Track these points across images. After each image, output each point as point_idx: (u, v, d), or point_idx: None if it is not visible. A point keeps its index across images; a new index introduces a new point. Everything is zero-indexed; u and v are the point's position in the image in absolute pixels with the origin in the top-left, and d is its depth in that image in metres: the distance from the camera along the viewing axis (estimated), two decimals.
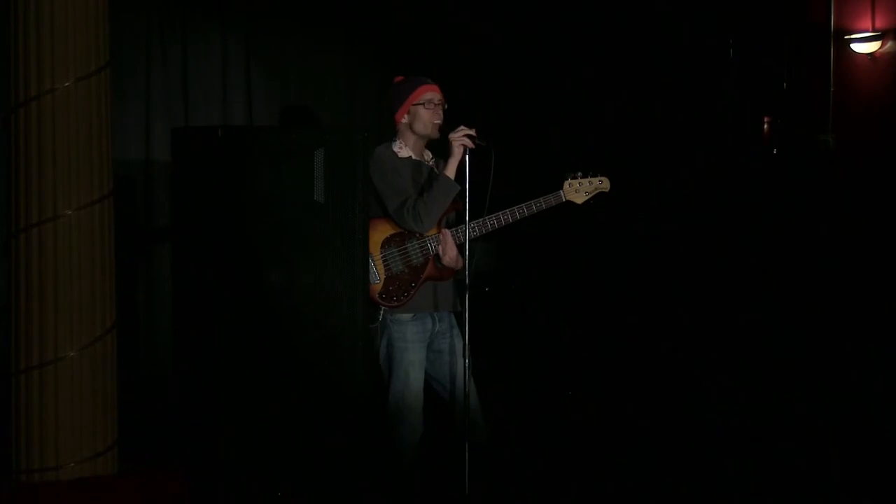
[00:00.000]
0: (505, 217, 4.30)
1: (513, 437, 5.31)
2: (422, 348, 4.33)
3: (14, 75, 4.06)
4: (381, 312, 4.27)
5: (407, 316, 4.30)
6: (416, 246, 4.30)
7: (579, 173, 4.36)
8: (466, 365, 4.17)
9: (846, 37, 6.45)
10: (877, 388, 5.81)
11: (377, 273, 4.25)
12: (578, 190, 4.37)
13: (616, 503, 4.77)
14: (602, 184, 4.40)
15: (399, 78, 4.45)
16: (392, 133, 4.44)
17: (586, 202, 4.39)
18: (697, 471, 5.01)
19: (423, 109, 4.33)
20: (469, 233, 4.17)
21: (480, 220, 4.26)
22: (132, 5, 6.09)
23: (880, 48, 6.34)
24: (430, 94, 4.35)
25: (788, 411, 5.73)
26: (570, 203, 4.39)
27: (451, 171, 4.25)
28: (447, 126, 4.32)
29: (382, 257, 4.27)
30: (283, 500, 3.97)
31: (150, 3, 6.26)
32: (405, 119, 4.37)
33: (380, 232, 4.27)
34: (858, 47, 6.41)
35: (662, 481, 4.91)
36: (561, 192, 4.36)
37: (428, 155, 4.46)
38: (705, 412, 5.83)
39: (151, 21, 6.28)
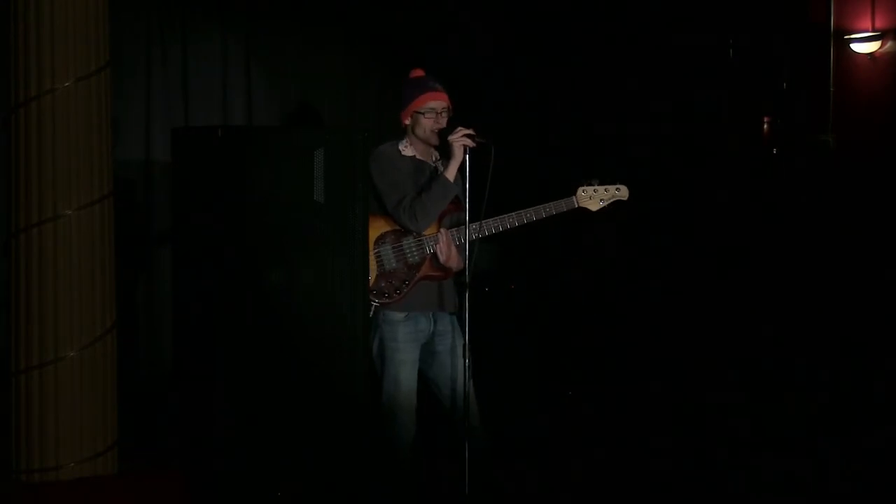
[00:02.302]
0: (511, 220, 4.28)
1: (512, 438, 5.31)
2: (414, 348, 4.32)
3: (14, 75, 4.06)
4: (373, 308, 4.25)
5: (399, 315, 4.29)
6: (413, 244, 4.29)
7: (595, 181, 4.35)
8: (467, 365, 4.16)
9: (846, 37, 6.44)
10: (877, 387, 5.81)
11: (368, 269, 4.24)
12: (593, 197, 4.35)
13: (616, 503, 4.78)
14: (620, 192, 4.37)
15: (417, 72, 4.42)
16: (394, 131, 4.44)
17: (601, 209, 4.37)
18: (698, 470, 5.01)
19: (424, 118, 4.31)
20: (471, 234, 4.16)
21: (484, 222, 4.25)
22: (132, 5, 6.09)
23: (880, 48, 6.34)
24: (434, 102, 4.32)
25: (788, 411, 5.73)
26: (583, 210, 4.37)
27: (451, 172, 4.25)
28: (451, 129, 4.31)
29: (375, 253, 4.26)
30: (282, 500, 3.97)
31: (150, 3, 6.26)
32: (408, 122, 4.37)
33: (374, 228, 4.25)
34: (858, 47, 6.40)
35: (663, 481, 4.91)
36: (573, 197, 4.34)
37: (435, 155, 4.45)
38: (706, 412, 5.82)
39: (151, 21, 6.28)
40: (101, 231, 4.14)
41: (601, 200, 4.36)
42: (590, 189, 4.34)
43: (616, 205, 4.39)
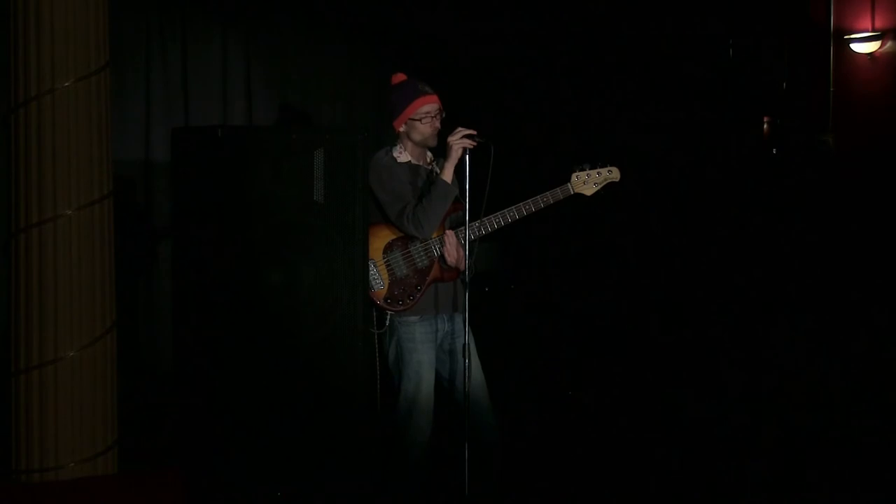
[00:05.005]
0: (511, 214, 4.27)
1: (513, 438, 5.31)
2: (431, 348, 4.33)
3: (14, 75, 4.05)
4: (389, 317, 4.27)
5: (415, 317, 4.30)
6: (421, 248, 4.29)
7: (587, 165, 4.34)
8: (466, 365, 4.17)
9: (846, 37, 6.45)
10: (877, 388, 5.81)
11: (381, 278, 4.24)
12: (587, 182, 4.33)
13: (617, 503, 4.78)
14: (612, 174, 4.36)
15: (399, 77, 4.40)
16: (393, 131, 4.43)
17: (596, 193, 4.36)
18: (698, 471, 5.01)
19: (421, 124, 4.29)
20: (472, 233, 4.17)
21: (485, 218, 4.25)
22: (132, 5, 6.09)
23: (880, 48, 6.35)
24: (428, 106, 4.29)
25: (787, 411, 5.73)
26: (579, 196, 4.36)
27: (447, 174, 4.24)
28: (446, 127, 4.31)
29: (385, 262, 4.26)
30: (283, 500, 3.97)
31: (150, 3, 6.26)
32: (403, 128, 4.34)
33: (381, 238, 4.26)
34: (858, 47, 6.41)
35: (663, 481, 4.91)
36: (569, 184, 4.33)
37: (429, 156, 4.44)
38: (707, 411, 5.82)
39: (151, 21, 6.28)
40: (101, 231, 4.13)
41: (595, 184, 4.35)
42: (583, 174, 4.32)
43: (609, 187, 4.38)
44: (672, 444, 5.41)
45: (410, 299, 4.26)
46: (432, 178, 4.31)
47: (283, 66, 6.72)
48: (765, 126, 6.67)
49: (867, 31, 6.38)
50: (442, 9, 6.94)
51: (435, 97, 4.32)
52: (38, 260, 4.03)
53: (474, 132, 4.20)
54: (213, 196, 3.97)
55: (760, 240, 6.55)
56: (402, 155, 4.36)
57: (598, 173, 4.34)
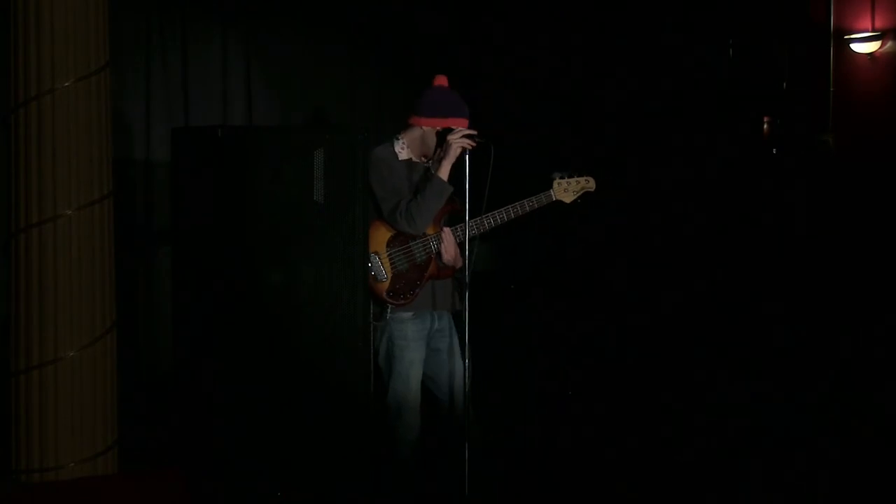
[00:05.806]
0: (500, 216, 4.36)
1: (512, 437, 5.31)
2: (421, 346, 4.35)
3: (14, 75, 4.05)
4: (388, 311, 4.29)
5: (408, 314, 4.32)
6: (419, 244, 4.32)
7: (566, 173, 4.43)
8: (467, 366, 4.18)
9: (846, 37, 6.45)
10: (876, 388, 5.81)
11: (384, 271, 4.26)
12: (567, 189, 4.45)
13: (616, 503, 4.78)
14: (588, 183, 4.49)
15: (443, 80, 4.39)
16: (393, 131, 4.44)
17: (574, 202, 4.48)
18: (698, 471, 5.01)
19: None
20: (468, 232, 4.18)
21: (478, 218, 4.30)
22: (132, 5, 6.09)
23: (880, 48, 6.35)
24: (462, 127, 4.31)
25: (786, 413, 5.73)
26: (559, 203, 4.47)
27: (444, 172, 4.26)
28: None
29: (389, 255, 4.28)
30: (283, 500, 3.97)
31: (150, 3, 6.26)
32: (426, 128, 4.34)
33: (384, 231, 4.29)
34: (858, 47, 6.41)
35: (663, 481, 4.92)
36: (551, 191, 4.44)
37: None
38: (705, 412, 5.82)
39: (151, 21, 6.28)
40: (101, 231, 4.13)
41: (573, 192, 4.47)
42: (563, 182, 4.44)
43: (586, 196, 4.49)
44: (672, 443, 5.41)
45: (411, 294, 4.30)
46: (428, 175, 4.31)
47: (283, 66, 6.72)
48: (765, 126, 6.67)
49: (867, 31, 6.38)
50: (441, 9, 6.94)
51: (467, 121, 4.34)
52: (38, 260, 4.03)
53: (474, 132, 4.22)
54: (213, 196, 3.97)
55: (760, 240, 6.55)
56: (404, 152, 4.38)
57: (576, 181, 4.46)
